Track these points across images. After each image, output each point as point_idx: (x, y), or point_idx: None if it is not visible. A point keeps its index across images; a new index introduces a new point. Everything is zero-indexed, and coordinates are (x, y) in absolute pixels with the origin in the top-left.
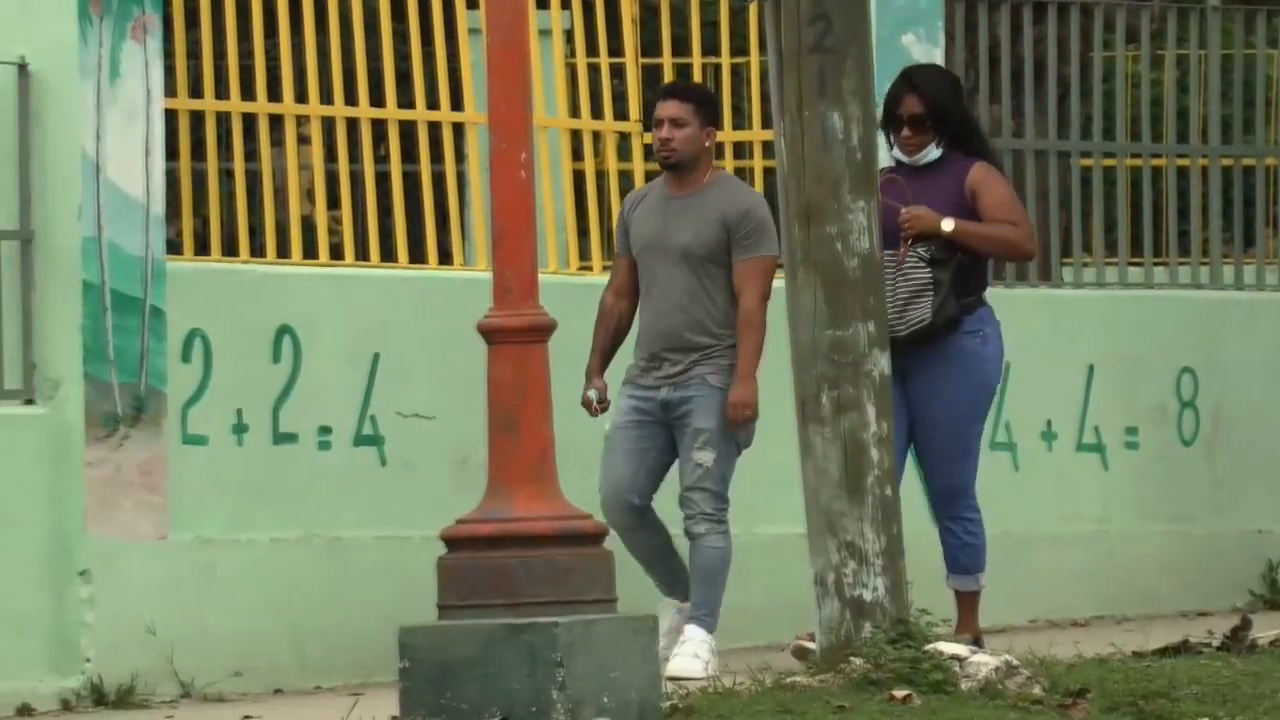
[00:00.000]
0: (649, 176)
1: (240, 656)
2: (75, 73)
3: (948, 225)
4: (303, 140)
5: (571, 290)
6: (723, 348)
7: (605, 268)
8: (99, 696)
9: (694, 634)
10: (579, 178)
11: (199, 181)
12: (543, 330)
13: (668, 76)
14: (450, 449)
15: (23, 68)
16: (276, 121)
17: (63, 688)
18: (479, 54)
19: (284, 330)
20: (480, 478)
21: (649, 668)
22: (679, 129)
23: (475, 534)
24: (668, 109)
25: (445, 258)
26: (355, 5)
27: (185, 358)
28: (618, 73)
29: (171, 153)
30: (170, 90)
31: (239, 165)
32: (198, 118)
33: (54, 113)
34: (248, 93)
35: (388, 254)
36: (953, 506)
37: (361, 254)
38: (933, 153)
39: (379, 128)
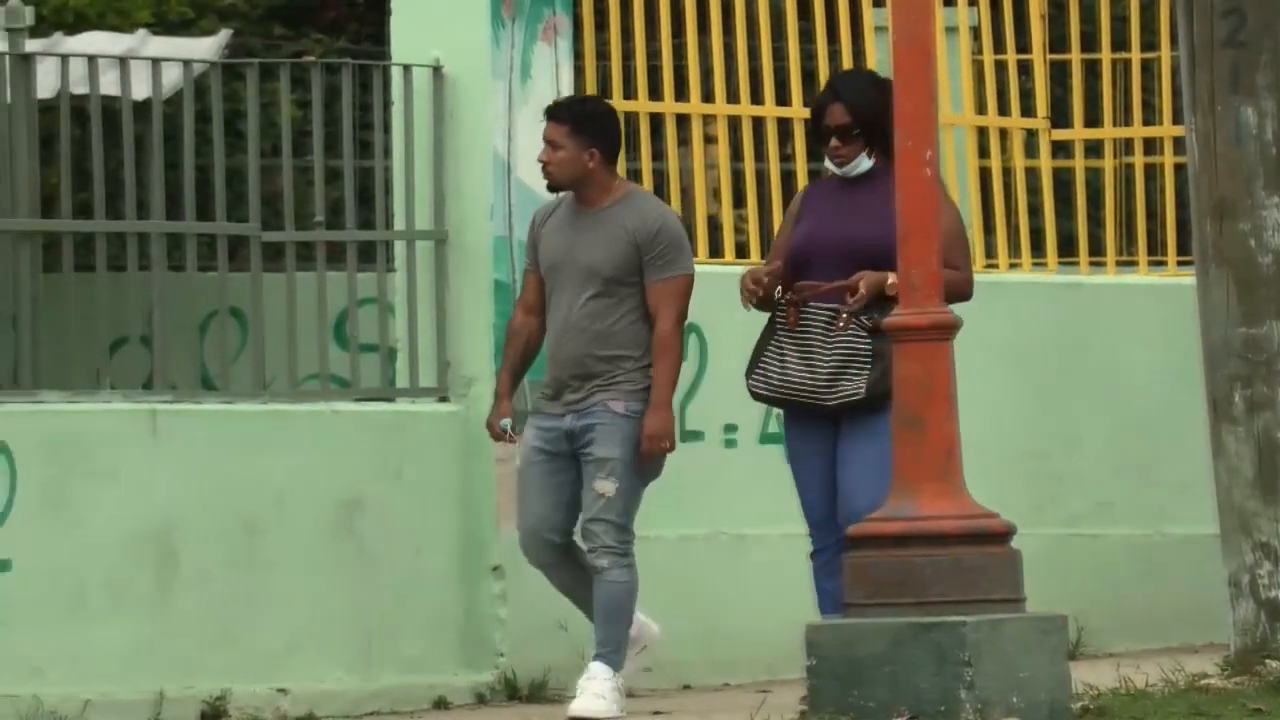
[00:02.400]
0: (1058, 175)
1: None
2: (488, 74)
3: (891, 290)
4: (709, 140)
5: (978, 288)
6: (626, 372)
7: (1012, 265)
8: (512, 691)
9: (599, 672)
10: (985, 175)
11: None
12: (948, 328)
13: (1075, 73)
14: None
15: (437, 70)
16: (683, 121)
17: (476, 682)
18: (885, 52)
19: (690, 329)
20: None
21: (1058, 668)
22: (555, 151)
23: (881, 532)
24: (547, 130)
25: None
26: (762, 5)
27: None
28: (1025, 69)
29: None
30: (579, 91)
31: (645, 165)
32: None
33: (467, 114)
34: (655, 93)
35: None
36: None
37: (764, 253)
38: (864, 163)
39: (784, 126)
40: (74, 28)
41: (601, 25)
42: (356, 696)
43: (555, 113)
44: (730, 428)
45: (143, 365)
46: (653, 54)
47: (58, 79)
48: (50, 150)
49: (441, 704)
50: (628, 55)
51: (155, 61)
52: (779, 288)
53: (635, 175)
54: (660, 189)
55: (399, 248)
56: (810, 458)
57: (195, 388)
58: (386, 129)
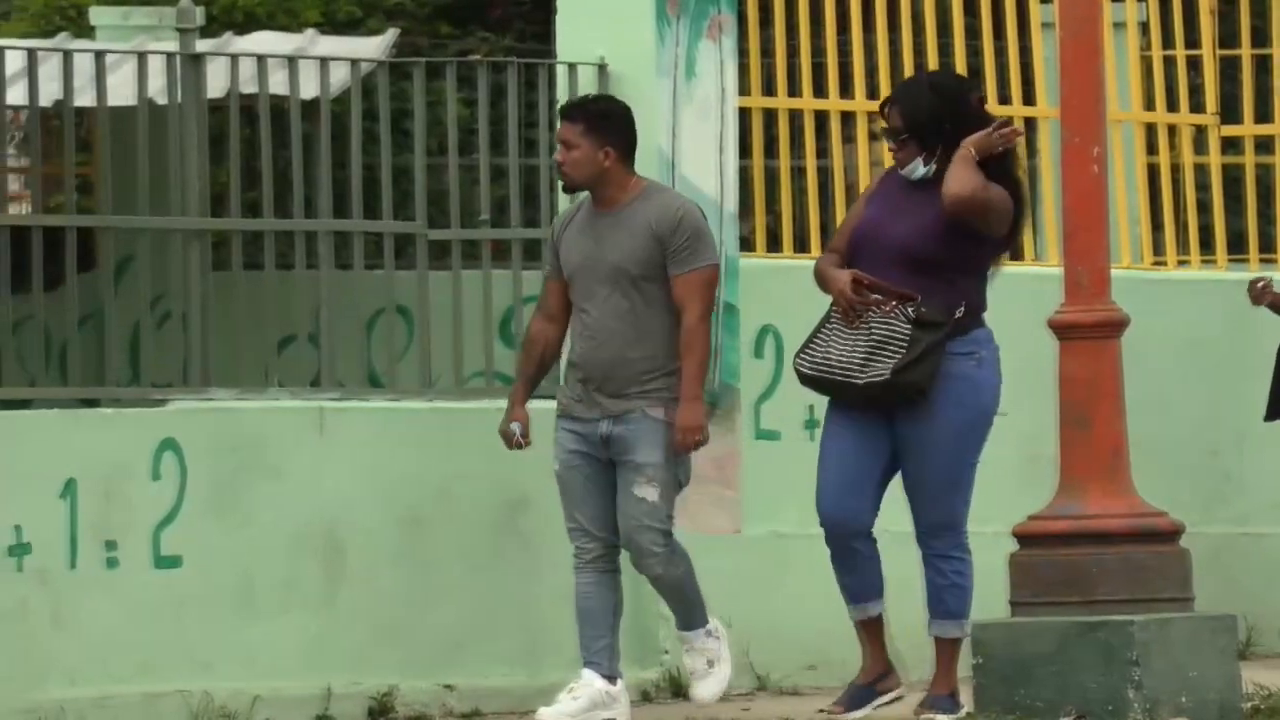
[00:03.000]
0: (1227, 171)
1: (813, 651)
2: (652, 72)
3: (967, 150)
4: (874, 137)
5: (1145, 286)
6: (661, 374)
7: (1180, 263)
8: (676, 688)
9: (692, 639)
10: (1153, 172)
11: (771, 179)
12: (1116, 326)
13: (1246, 68)
14: (1021, 445)
15: (602, 68)
16: (848, 118)
17: (641, 679)
18: (1051, 48)
19: (767, 329)
20: (1051, 474)
21: (1227, 667)
22: (569, 151)
23: (1048, 530)
24: (560, 131)
25: (1015, 253)
26: (927, 1)
27: (758, 353)
28: (1194, 65)
29: (744, 150)
30: (744, 88)
31: (810, 162)
32: (770, 115)
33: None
34: (819, 90)
35: None
36: (940, 543)
37: None
38: (919, 169)
39: None
40: (243, 27)
41: (766, 22)
42: (522, 693)
43: (569, 112)
44: (811, 424)
45: (310, 363)
46: (817, 51)
47: (227, 79)
48: (220, 149)
49: None
50: (792, 52)
51: (323, 61)
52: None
53: (799, 173)
54: (825, 186)
55: None
56: (838, 434)
57: (362, 385)
58: (552, 127)
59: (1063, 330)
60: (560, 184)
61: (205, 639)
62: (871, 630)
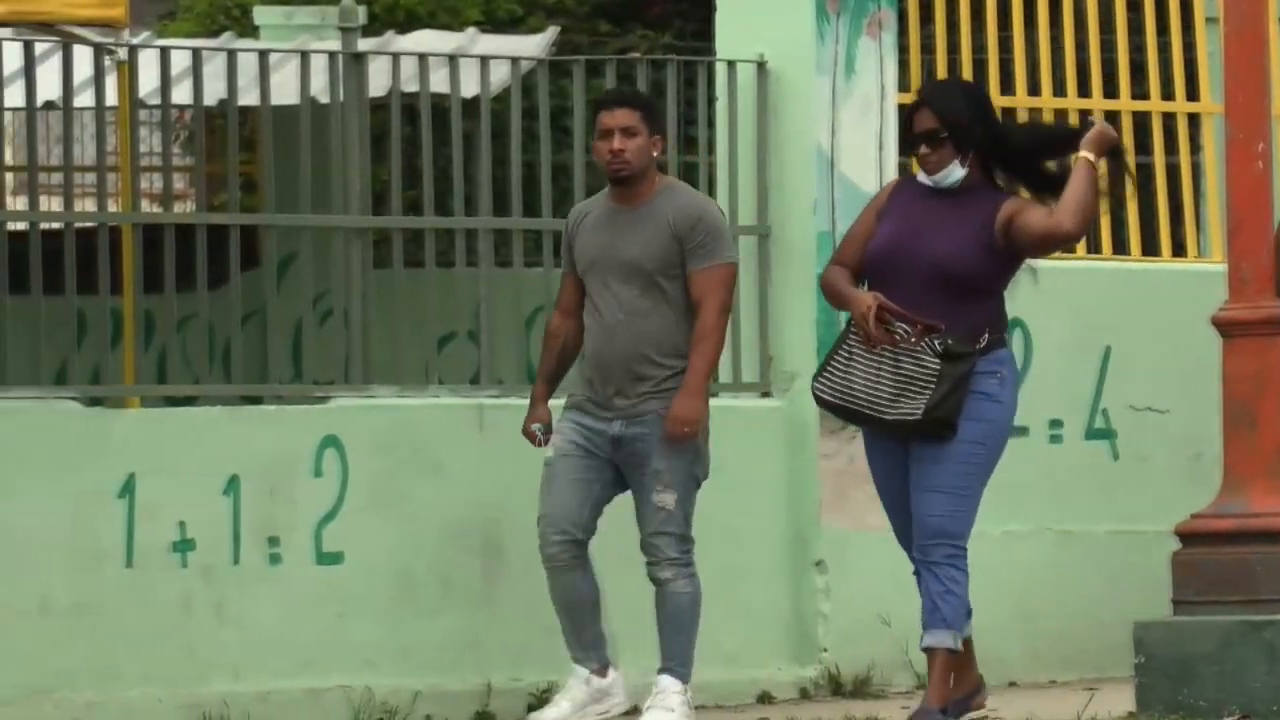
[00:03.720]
0: None
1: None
2: (811, 69)
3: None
4: None
5: None
6: (676, 374)
7: None
8: (836, 686)
9: (667, 685)
10: None
11: None
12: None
13: None
14: (1183, 443)
15: (762, 65)
16: (1007, 115)
17: (800, 676)
18: (1216, 43)
19: (1015, 323)
20: (1214, 472)
21: None
22: (630, 139)
23: (1211, 529)
24: (617, 118)
25: (1178, 250)
26: None
27: None
28: None
29: (904, 147)
30: (904, 85)
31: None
32: None
33: (791, 109)
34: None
35: (1120, 246)
36: (937, 550)
37: (1093, 247)
38: (956, 172)
39: (1113, 119)
40: (405, 26)
41: (927, 19)
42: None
43: (629, 99)
44: (1055, 423)
45: (470, 360)
46: (978, 48)
47: (389, 78)
48: (381, 148)
49: (765, 698)
50: (953, 49)
51: (484, 59)
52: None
53: None
54: None
55: None
56: (885, 478)
57: (521, 382)
58: (711, 124)
59: (1227, 328)
60: (614, 175)
61: (367, 635)
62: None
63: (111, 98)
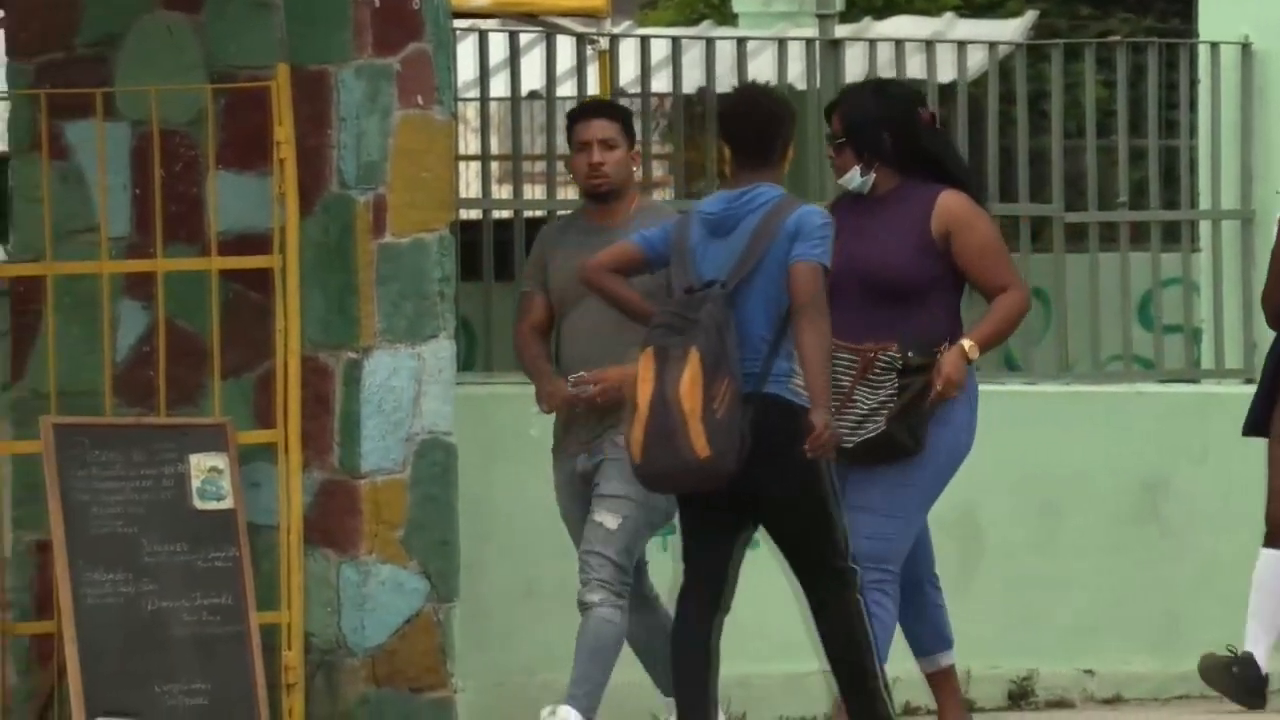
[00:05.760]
0: None
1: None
2: None
3: (974, 354)
4: None
5: None
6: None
7: None
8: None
9: (567, 715)
10: None
11: None
12: None
13: None
14: None
15: (1246, 47)
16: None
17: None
18: None
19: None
20: None
21: None
22: (610, 151)
23: None
24: (595, 129)
25: None
26: None
27: None
28: None
29: None
30: None
31: None
32: None
33: (1276, 92)
34: None
35: None
36: (866, 574)
37: None
38: (855, 178)
39: None
40: (882, 12)
41: None
42: (1161, 680)
43: (608, 109)
44: None
45: None
46: None
47: (865, 63)
48: None
49: None
50: None
51: (960, 44)
52: None
53: None
54: None
55: (1204, 227)
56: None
57: (999, 368)
58: (1193, 107)
59: None
60: (592, 190)
61: None
62: (938, 682)
63: (593, 87)
